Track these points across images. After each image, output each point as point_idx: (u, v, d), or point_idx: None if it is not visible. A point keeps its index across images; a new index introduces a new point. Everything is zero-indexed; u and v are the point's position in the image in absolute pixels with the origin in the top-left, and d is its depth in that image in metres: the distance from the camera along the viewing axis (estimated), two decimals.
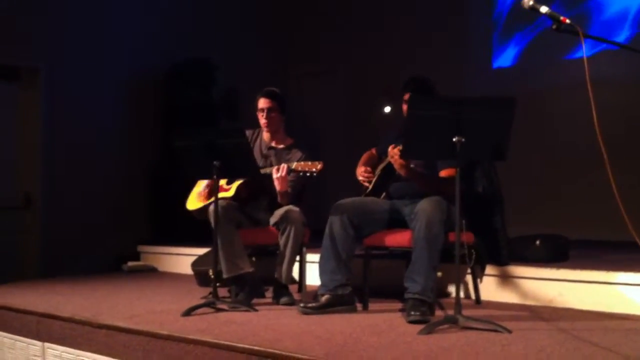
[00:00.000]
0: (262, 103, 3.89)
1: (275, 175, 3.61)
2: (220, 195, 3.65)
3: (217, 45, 6.84)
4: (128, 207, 6.19)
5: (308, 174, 3.44)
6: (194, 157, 3.55)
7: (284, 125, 4.01)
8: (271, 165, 3.82)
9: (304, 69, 7.85)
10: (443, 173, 3.43)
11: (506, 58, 6.49)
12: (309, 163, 3.48)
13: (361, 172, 3.74)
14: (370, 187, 3.69)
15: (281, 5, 7.74)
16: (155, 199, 6.38)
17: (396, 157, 3.29)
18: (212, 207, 3.60)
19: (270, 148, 3.97)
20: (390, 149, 3.35)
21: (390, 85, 4.75)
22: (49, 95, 5.80)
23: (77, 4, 5.99)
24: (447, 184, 3.32)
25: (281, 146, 3.96)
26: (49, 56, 5.79)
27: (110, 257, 5.85)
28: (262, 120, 3.90)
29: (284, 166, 3.60)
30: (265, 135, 4.00)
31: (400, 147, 3.22)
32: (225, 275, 3.64)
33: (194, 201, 4.02)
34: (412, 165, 3.37)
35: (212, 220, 3.58)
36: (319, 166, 3.43)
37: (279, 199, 3.71)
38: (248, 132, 3.91)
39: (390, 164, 3.45)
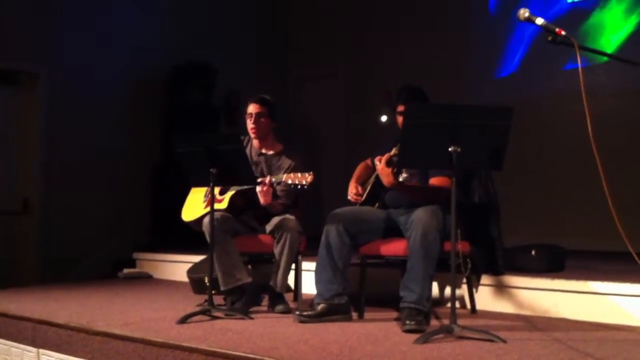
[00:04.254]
0: (251, 108, 3.88)
1: (257, 189, 3.57)
2: (214, 206, 3.59)
3: (217, 48, 6.88)
4: (124, 213, 6.20)
5: (299, 187, 3.38)
6: (192, 163, 3.53)
7: (274, 131, 3.99)
8: (261, 172, 3.80)
9: (304, 72, 7.87)
10: (433, 180, 3.43)
11: (505, 67, 6.52)
12: (299, 175, 3.38)
13: (351, 193, 3.68)
14: (363, 199, 3.67)
15: (281, 8, 7.78)
16: (152, 205, 6.38)
17: (383, 171, 3.29)
18: (206, 220, 3.56)
19: (260, 155, 3.94)
20: (376, 161, 3.35)
21: (390, 90, 4.75)
22: (48, 100, 5.81)
23: (77, 7, 6.02)
24: (436, 193, 3.33)
25: (271, 152, 3.94)
26: (48, 60, 5.81)
27: (106, 263, 5.85)
28: (250, 125, 3.89)
29: (265, 180, 3.55)
30: (255, 142, 3.97)
31: (386, 159, 3.23)
32: (222, 288, 3.62)
33: (189, 212, 3.98)
34: (404, 175, 3.35)
35: (206, 233, 3.55)
36: (309, 178, 3.35)
37: (269, 209, 3.69)
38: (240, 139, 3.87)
39: None
